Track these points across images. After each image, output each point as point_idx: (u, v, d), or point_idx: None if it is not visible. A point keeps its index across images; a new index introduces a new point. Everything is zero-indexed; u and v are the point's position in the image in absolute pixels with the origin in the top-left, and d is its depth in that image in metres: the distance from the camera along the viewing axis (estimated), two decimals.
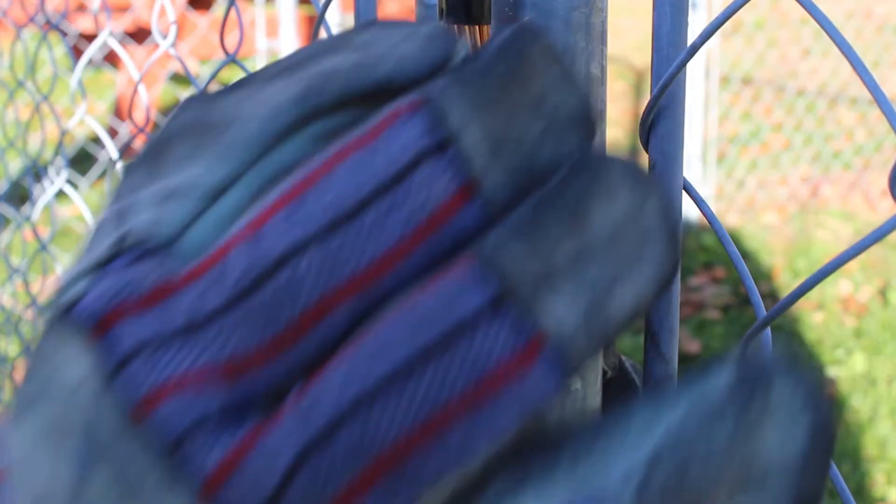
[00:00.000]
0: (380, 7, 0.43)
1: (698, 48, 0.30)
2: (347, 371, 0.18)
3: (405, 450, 0.18)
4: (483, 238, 0.18)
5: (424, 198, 0.18)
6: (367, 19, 0.35)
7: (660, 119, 0.32)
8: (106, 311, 0.20)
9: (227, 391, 0.19)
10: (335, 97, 0.21)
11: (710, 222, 0.33)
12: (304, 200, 0.19)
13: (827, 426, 0.18)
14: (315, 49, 0.22)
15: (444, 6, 0.33)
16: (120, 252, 0.21)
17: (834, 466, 0.30)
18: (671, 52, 0.31)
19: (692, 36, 0.28)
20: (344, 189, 0.19)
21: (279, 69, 0.22)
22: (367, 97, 0.21)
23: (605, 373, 0.39)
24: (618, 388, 0.41)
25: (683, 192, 0.33)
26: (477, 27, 0.30)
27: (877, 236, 0.25)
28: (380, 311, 0.19)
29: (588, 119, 0.20)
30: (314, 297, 0.19)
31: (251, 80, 0.22)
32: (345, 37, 0.22)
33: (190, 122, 0.22)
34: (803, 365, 0.19)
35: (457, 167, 0.19)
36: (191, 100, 0.22)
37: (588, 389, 0.37)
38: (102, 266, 0.21)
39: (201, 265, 0.20)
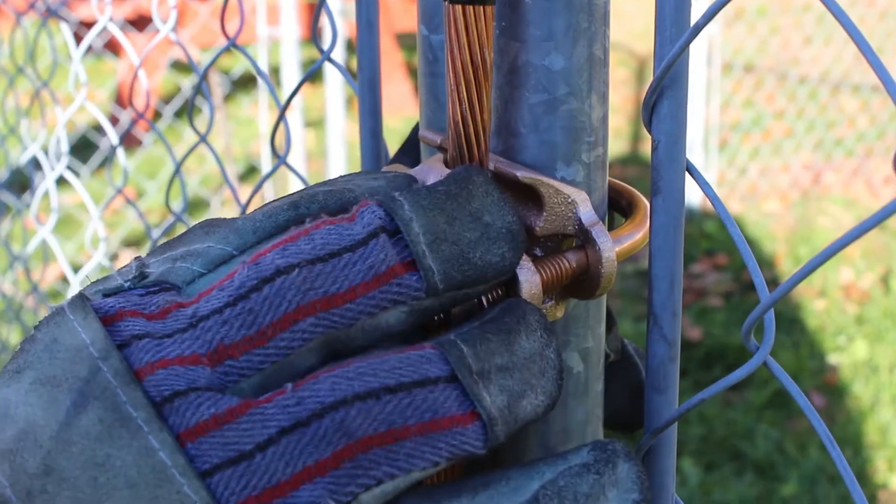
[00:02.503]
0: None
1: (701, 28, 0.29)
2: (334, 382, 0.25)
3: (366, 445, 0.25)
4: (442, 335, 0.27)
5: (380, 258, 0.26)
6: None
7: (663, 100, 0.32)
8: (121, 309, 0.26)
9: (211, 372, 0.25)
10: (318, 207, 0.29)
11: (712, 203, 0.32)
12: (296, 242, 0.27)
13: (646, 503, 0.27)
14: (308, 187, 0.30)
15: None
16: (135, 286, 0.28)
17: (838, 450, 0.30)
18: (674, 33, 0.31)
19: (695, 18, 0.28)
20: (327, 240, 0.27)
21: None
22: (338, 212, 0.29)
23: (607, 356, 0.39)
24: (620, 371, 0.41)
25: (686, 173, 0.33)
26: (482, 7, 0.30)
27: (878, 219, 0.25)
28: (347, 339, 0.26)
29: (517, 238, 0.28)
30: (292, 307, 0.26)
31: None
32: (329, 181, 0.30)
33: (202, 224, 0.30)
34: (634, 456, 0.27)
35: (403, 245, 0.27)
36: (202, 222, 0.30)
37: (590, 372, 0.37)
38: (116, 292, 0.28)
39: (211, 287, 0.27)
